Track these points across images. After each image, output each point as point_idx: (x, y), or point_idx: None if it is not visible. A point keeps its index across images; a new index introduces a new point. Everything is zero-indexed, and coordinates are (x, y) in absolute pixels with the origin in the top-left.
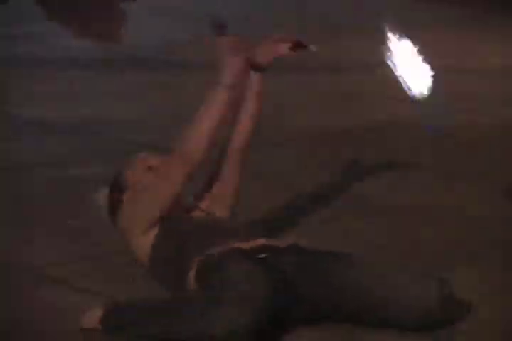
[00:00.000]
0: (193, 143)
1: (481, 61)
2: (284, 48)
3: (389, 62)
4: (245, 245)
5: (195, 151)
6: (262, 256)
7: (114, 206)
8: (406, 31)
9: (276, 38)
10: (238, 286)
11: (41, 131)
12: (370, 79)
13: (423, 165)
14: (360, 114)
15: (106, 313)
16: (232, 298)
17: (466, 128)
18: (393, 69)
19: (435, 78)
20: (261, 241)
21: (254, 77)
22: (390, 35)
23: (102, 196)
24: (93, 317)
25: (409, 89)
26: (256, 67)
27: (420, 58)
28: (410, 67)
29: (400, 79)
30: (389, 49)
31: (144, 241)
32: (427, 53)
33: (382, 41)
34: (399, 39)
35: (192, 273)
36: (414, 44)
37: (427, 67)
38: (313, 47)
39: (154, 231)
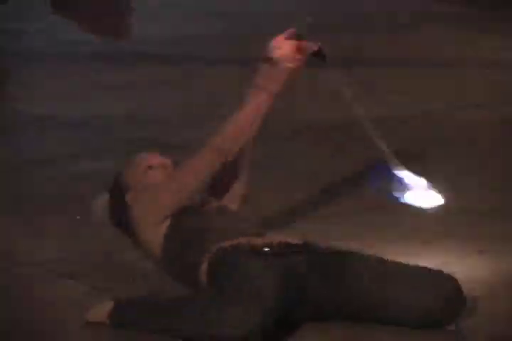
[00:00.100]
0: (228, 140)
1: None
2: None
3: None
4: (257, 241)
5: (228, 149)
6: (274, 252)
7: (117, 208)
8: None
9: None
10: (249, 285)
11: (44, 127)
12: (380, 74)
13: (431, 158)
14: (370, 108)
15: (116, 308)
16: (244, 297)
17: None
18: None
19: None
20: (273, 237)
21: None
22: None
23: (101, 203)
24: (101, 311)
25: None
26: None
27: None
28: None
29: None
30: None
31: (156, 233)
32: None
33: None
34: None
35: (204, 266)
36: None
37: None
38: (309, 19)
39: (167, 223)
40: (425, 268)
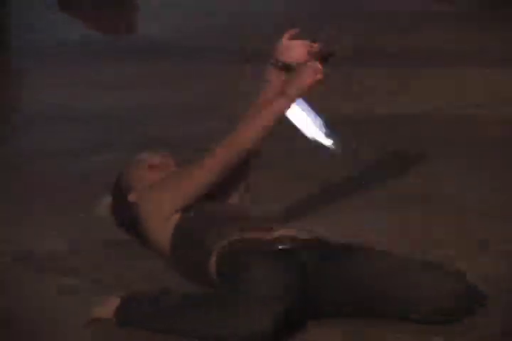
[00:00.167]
0: (242, 140)
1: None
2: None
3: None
4: (267, 236)
5: (241, 149)
6: (284, 247)
7: (120, 209)
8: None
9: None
10: (260, 286)
11: (54, 119)
12: (380, 73)
13: (439, 154)
14: (376, 104)
15: (122, 305)
16: (254, 299)
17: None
18: None
19: None
20: (283, 233)
21: None
22: None
23: (104, 205)
24: (107, 308)
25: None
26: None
27: None
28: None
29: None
30: None
31: (164, 229)
32: None
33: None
34: None
35: (213, 261)
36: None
37: None
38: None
39: (175, 218)
40: (434, 263)
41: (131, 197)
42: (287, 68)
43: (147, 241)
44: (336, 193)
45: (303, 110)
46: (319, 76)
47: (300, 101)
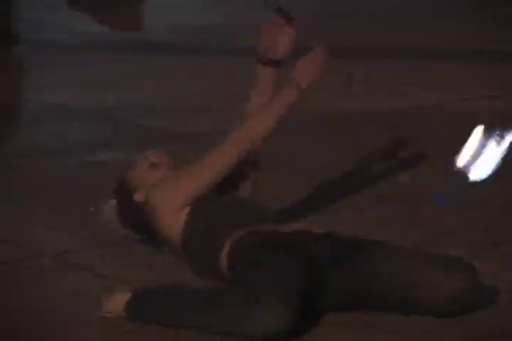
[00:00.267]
0: (252, 132)
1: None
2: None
3: None
4: (282, 228)
5: (252, 141)
6: (297, 240)
7: (128, 209)
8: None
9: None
10: (274, 281)
11: (62, 117)
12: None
13: (444, 147)
14: (381, 99)
15: (133, 299)
16: (269, 295)
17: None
18: None
19: None
20: (295, 226)
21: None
22: None
23: (109, 207)
24: (117, 302)
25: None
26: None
27: None
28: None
29: None
30: None
31: (176, 222)
32: None
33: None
34: None
35: (224, 253)
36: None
37: None
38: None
39: (187, 211)
40: (445, 256)
41: (137, 197)
42: (275, 64)
43: (158, 238)
44: (335, 192)
45: None
46: (323, 62)
47: None
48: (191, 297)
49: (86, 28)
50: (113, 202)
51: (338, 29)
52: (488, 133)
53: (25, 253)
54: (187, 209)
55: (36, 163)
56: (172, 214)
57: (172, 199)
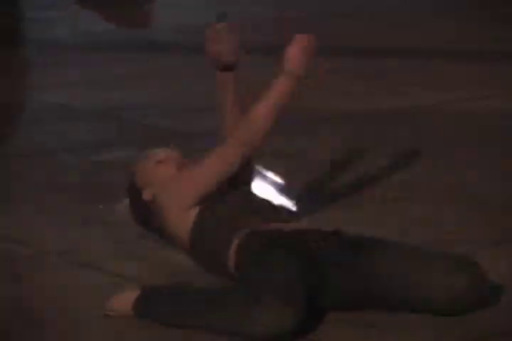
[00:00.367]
0: (253, 130)
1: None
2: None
3: None
4: (287, 227)
5: (254, 139)
6: (304, 239)
7: (138, 207)
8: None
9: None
10: (279, 279)
11: (67, 116)
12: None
13: (444, 147)
14: (384, 99)
15: (141, 297)
16: (267, 296)
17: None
18: None
19: None
20: (302, 225)
21: None
22: None
23: (124, 206)
24: (125, 300)
25: None
26: None
27: None
28: None
29: None
30: None
31: (184, 221)
32: None
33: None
34: None
35: (232, 251)
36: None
37: None
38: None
39: (195, 210)
40: (445, 255)
41: (145, 195)
42: (232, 67)
43: (167, 236)
44: (335, 192)
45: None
46: (310, 46)
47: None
48: (195, 296)
49: (90, 27)
50: (127, 200)
51: (338, 29)
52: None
53: (32, 252)
54: (195, 210)
55: (40, 162)
56: (179, 214)
57: (179, 200)
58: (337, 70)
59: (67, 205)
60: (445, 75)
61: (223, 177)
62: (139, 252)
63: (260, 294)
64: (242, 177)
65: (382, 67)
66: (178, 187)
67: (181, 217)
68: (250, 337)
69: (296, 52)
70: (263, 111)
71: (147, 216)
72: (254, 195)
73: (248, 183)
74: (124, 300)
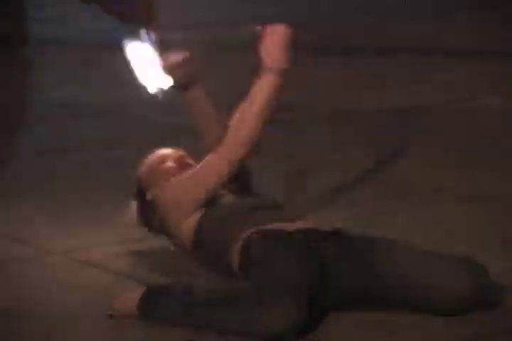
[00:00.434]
0: (247, 127)
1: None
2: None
3: None
4: (290, 227)
5: (248, 136)
6: (306, 239)
7: (143, 208)
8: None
9: None
10: (281, 279)
11: (71, 114)
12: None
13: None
14: (384, 98)
15: (145, 297)
16: (276, 293)
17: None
18: None
19: None
20: (304, 224)
21: None
22: None
23: (131, 207)
24: (130, 300)
25: None
26: None
27: None
28: None
29: None
30: None
31: (187, 222)
32: None
33: None
34: None
35: (236, 251)
36: None
37: None
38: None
39: (197, 215)
40: (452, 255)
41: (149, 196)
42: (193, 84)
43: (168, 236)
44: (336, 191)
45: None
46: (284, 36)
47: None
48: (201, 296)
49: (93, 26)
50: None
51: (339, 29)
52: None
53: (37, 251)
54: (198, 212)
55: (50, 160)
56: (182, 217)
57: (181, 203)
58: (337, 70)
59: (68, 205)
60: (445, 75)
61: (223, 179)
62: (141, 252)
63: (267, 294)
64: (242, 178)
65: (382, 67)
66: (178, 193)
67: (184, 220)
68: (256, 336)
69: (271, 46)
70: (250, 115)
71: (150, 216)
72: (256, 195)
73: (248, 183)
74: (127, 300)
